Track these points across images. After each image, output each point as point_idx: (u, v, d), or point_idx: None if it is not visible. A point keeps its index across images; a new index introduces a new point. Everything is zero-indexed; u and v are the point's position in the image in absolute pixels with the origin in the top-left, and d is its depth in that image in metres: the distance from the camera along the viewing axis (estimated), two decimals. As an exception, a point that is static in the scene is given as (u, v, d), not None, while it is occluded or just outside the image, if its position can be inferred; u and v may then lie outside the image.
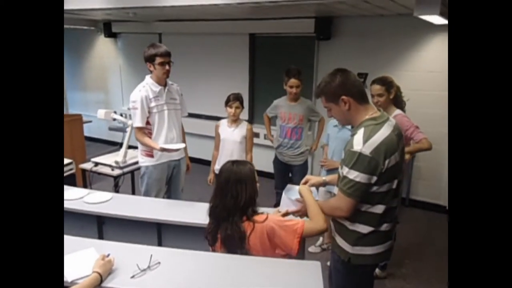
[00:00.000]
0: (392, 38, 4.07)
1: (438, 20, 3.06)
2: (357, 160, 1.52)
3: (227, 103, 3.07)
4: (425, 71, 4.02)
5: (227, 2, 3.22)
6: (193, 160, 3.27)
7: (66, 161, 3.30)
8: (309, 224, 1.67)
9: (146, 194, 2.90)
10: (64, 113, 5.46)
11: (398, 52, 4.09)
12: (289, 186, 1.97)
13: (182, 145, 2.82)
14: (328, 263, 3.10)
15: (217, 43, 5.15)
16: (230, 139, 3.14)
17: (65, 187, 2.70)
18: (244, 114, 4.87)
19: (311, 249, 3.33)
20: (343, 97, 1.60)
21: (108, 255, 1.63)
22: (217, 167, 3.25)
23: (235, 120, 3.14)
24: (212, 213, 1.74)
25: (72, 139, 4.41)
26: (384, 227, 1.65)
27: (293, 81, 3.18)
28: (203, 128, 5.03)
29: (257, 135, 4.87)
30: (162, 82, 2.80)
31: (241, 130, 3.14)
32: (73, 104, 6.50)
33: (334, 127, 3.06)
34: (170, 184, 3.03)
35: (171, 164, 2.95)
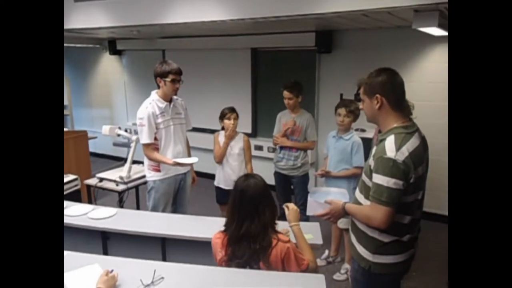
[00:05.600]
0: (392, 50, 4.11)
1: (437, 31, 3.09)
2: (392, 167, 1.50)
3: (224, 116, 3.16)
4: (425, 82, 4.04)
5: (228, 18, 3.29)
6: (196, 174, 3.29)
7: (71, 177, 3.33)
8: (311, 264, 1.70)
9: (154, 208, 2.91)
10: (70, 129, 5.54)
11: (398, 63, 4.11)
12: (314, 188, 1.94)
13: (195, 159, 2.85)
14: (334, 276, 3.09)
15: (219, 58, 5.23)
16: (228, 152, 3.20)
17: (70, 203, 2.72)
18: (247, 128, 4.91)
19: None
20: (378, 95, 1.61)
21: (112, 270, 1.63)
22: (216, 182, 3.30)
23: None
24: (247, 233, 1.63)
25: (77, 155, 4.46)
26: (407, 237, 1.64)
27: (285, 93, 3.28)
28: (206, 142, 5.06)
29: (260, 148, 4.89)
30: (168, 98, 2.84)
31: (238, 142, 3.22)
32: (78, 121, 6.59)
33: (333, 138, 3.08)
34: (176, 197, 3.05)
35: (177, 178, 2.98)
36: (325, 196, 1.83)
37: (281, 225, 1.78)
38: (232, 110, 3.17)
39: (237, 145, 3.20)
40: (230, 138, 3.17)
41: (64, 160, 4.10)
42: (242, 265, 1.67)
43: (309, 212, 1.83)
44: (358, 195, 1.71)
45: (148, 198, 2.96)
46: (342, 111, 2.94)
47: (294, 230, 1.79)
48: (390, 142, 1.55)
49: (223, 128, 3.24)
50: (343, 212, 1.72)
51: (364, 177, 1.67)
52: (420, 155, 1.58)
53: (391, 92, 1.61)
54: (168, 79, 2.73)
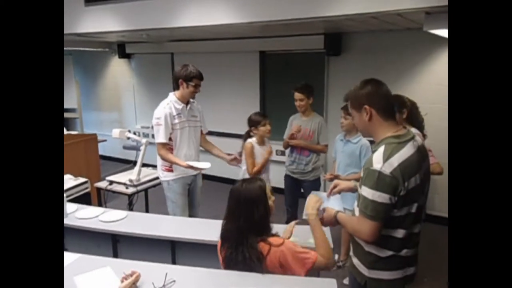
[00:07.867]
0: (401, 52, 4.08)
1: (447, 33, 3.06)
2: (377, 179, 1.44)
3: (259, 123, 3.01)
4: (435, 84, 4.00)
5: (237, 21, 3.30)
6: (207, 177, 3.28)
7: (81, 180, 3.35)
8: (321, 258, 1.63)
9: (174, 210, 2.94)
10: (79, 132, 5.58)
11: (408, 66, 4.09)
12: (313, 192, 1.93)
13: (208, 165, 2.85)
14: (344, 281, 3.05)
15: (227, 61, 5.24)
16: (262, 158, 3.08)
17: (81, 206, 2.74)
18: (256, 131, 4.90)
19: (326, 266, 3.27)
20: (366, 106, 1.55)
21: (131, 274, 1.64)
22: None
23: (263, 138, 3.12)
24: (225, 236, 1.69)
25: (87, 158, 4.49)
26: (405, 252, 1.56)
27: (296, 94, 3.27)
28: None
29: (269, 151, 4.88)
30: (185, 100, 2.90)
31: (269, 147, 3.17)
32: (88, 124, 6.65)
33: (340, 141, 3.07)
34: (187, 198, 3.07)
35: (188, 179, 3.02)
36: (324, 202, 1.81)
37: (281, 229, 1.78)
38: (265, 116, 3.09)
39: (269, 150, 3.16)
40: (270, 154, 3.11)
41: (74, 163, 4.15)
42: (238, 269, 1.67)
43: (305, 216, 1.81)
44: (355, 207, 1.66)
45: (167, 199, 2.99)
46: (341, 113, 2.97)
47: (309, 220, 1.71)
48: (378, 153, 1.48)
49: (249, 135, 3.10)
50: (335, 221, 1.68)
51: (358, 188, 1.63)
52: (413, 166, 1.48)
53: (378, 102, 1.56)
54: (192, 83, 2.81)
